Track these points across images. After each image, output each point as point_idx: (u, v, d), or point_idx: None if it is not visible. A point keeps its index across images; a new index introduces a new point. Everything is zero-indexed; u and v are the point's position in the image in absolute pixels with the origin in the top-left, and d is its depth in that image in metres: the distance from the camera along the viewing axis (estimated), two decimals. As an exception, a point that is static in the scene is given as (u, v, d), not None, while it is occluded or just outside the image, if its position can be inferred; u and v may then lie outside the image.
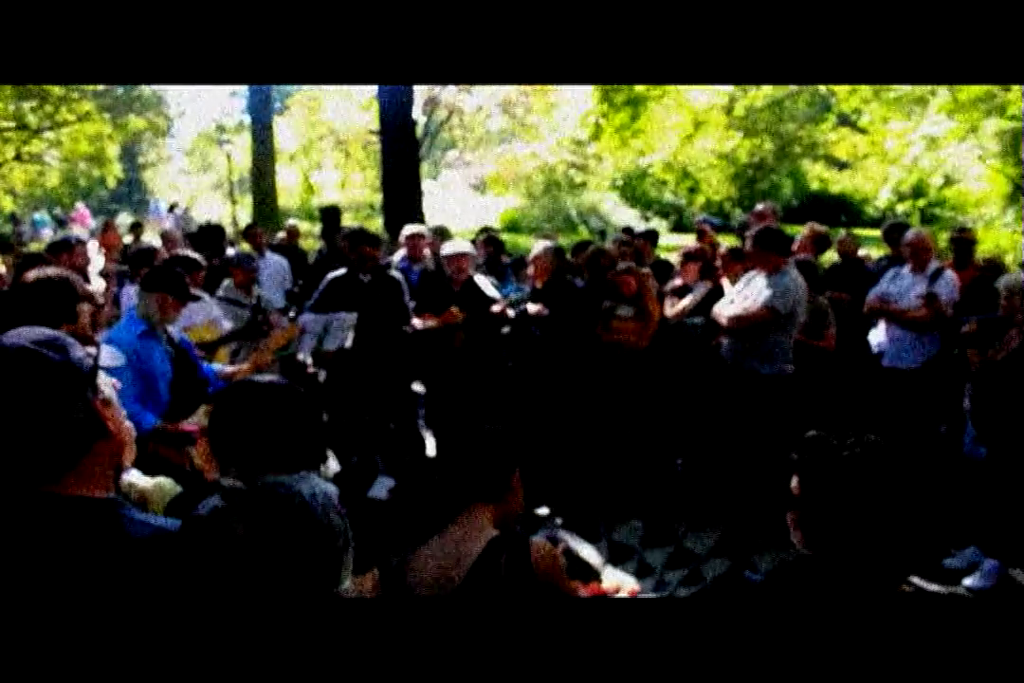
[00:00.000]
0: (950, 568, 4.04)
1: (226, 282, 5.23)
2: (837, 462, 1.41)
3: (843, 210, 21.20)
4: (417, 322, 5.19)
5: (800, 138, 20.25)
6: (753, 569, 3.97)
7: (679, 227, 20.74)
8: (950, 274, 5.07)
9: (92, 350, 1.27)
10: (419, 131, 17.59)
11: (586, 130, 16.66)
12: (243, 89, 25.22)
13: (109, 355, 1.95)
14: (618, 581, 2.65)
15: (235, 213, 19.50)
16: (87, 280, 5.28)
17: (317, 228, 12.80)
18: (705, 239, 6.83)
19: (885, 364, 5.12)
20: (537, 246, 5.51)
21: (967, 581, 3.96)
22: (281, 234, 8.70)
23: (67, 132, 18.50)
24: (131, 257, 5.39)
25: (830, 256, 6.53)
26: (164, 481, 2.08)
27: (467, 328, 5.20)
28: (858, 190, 21.35)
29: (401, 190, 14.28)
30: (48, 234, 18.81)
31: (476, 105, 22.31)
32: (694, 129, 17.17)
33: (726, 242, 7.12)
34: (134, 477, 2.06)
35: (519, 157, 22.22)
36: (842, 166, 22.07)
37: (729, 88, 16.18)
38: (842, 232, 6.80)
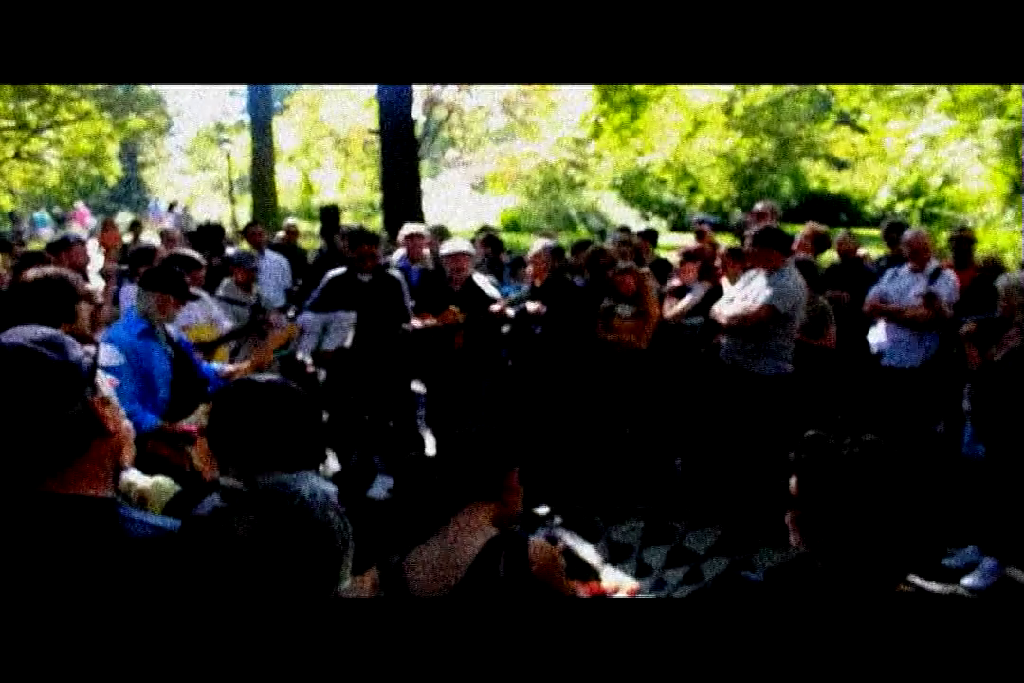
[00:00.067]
0: (949, 567, 4.04)
1: (226, 281, 5.23)
2: (835, 462, 1.41)
3: (843, 209, 21.17)
4: (416, 322, 5.19)
5: (800, 137, 20.24)
6: (752, 568, 3.98)
7: (679, 226, 20.73)
8: (949, 274, 5.07)
9: (91, 349, 1.27)
10: (419, 130, 17.61)
11: (586, 129, 16.65)
12: (243, 88, 25.25)
13: (108, 354, 1.96)
14: (617, 580, 2.65)
15: (234, 212, 19.51)
16: (86, 279, 5.28)
17: (317, 227, 12.80)
18: (705, 239, 6.82)
19: (884, 363, 5.13)
20: (535, 245, 5.51)
21: (966, 580, 3.96)
22: (280, 233, 8.70)
23: (66, 131, 18.52)
24: (130, 256, 5.39)
25: (830, 256, 6.53)
26: (163, 480, 2.08)
27: (466, 328, 5.20)
28: (858, 189, 21.33)
29: (401, 189, 14.28)
30: (47, 233, 18.79)
31: (476, 104, 22.33)
32: (694, 128, 17.18)
33: (724, 241, 7.12)
34: (133, 476, 2.06)
35: (519, 156, 22.23)
36: (842, 165, 22.06)
37: (728, 87, 16.19)
38: (842, 231, 6.80)
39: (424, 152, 19.50)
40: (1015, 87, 10.12)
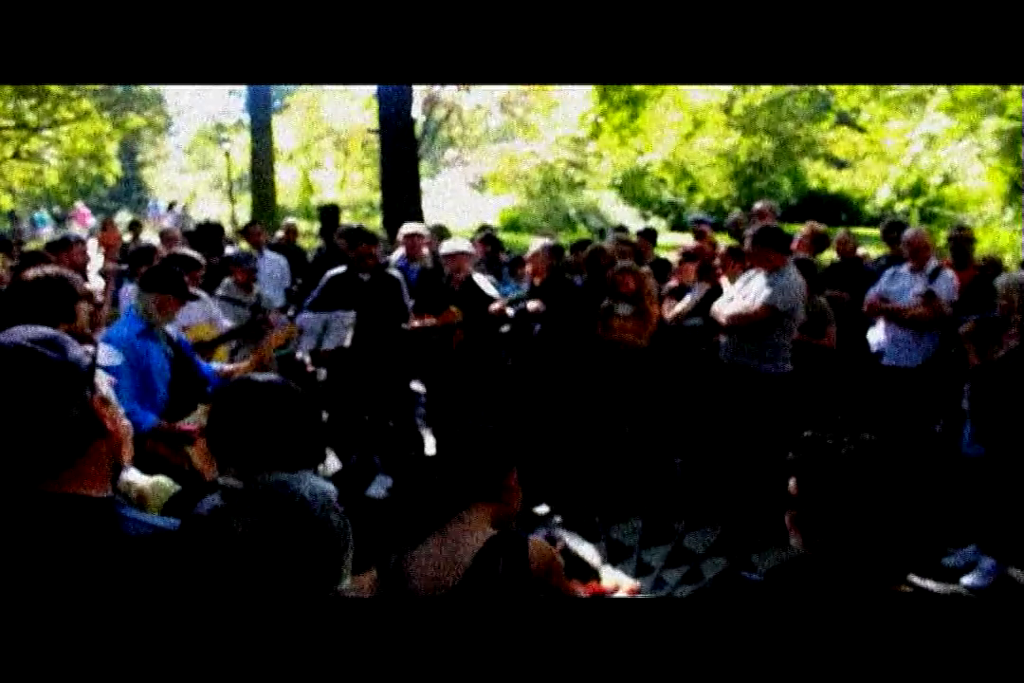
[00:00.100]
0: (948, 567, 4.04)
1: (226, 281, 5.23)
2: (834, 461, 1.41)
3: (842, 209, 21.16)
4: (416, 321, 5.19)
5: (799, 137, 20.24)
6: (752, 568, 3.97)
7: (678, 226, 20.73)
8: (949, 273, 5.07)
9: (90, 349, 1.27)
10: (418, 130, 17.60)
11: (585, 129, 16.66)
12: (242, 88, 25.23)
13: (107, 354, 1.95)
14: (616, 580, 2.65)
15: (234, 212, 19.52)
16: (86, 279, 5.28)
17: (316, 227, 12.81)
18: (704, 239, 6.82)
19: (884, 363, 5.13)
20: (535, 244, 5.51)
21: (965, 580, 3.97)
22: (280, 233, 8.70)
23: (66, 130, 18.50)
24: (130, 256, 5.39)
25: (829, 255, 6.53)
26: (162, 480, 2.08)
27: (466, 327, 5.20)
28: (857, 189, 21.32)
29: (400, 189, 14.27)
30: (47, 233, 18.77)
31: (475, 103, 22.32)
32: (693, 128, 17.20)
33: (721, 241, 7.12)
34: (132, 476, 2.06)
35: (518, 156, 22.22)
36: (841, 165, 22.06)
37: (728, 87, 16.19)
38: (841, 231, 6.79)
39: (423, 152, 19.49)
40: (1015, 87, 10.11)
